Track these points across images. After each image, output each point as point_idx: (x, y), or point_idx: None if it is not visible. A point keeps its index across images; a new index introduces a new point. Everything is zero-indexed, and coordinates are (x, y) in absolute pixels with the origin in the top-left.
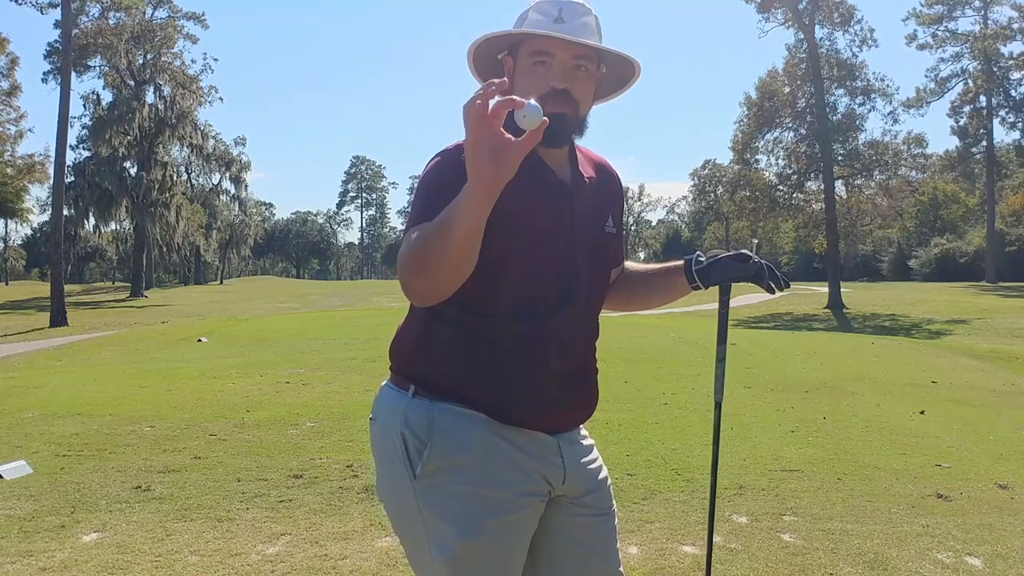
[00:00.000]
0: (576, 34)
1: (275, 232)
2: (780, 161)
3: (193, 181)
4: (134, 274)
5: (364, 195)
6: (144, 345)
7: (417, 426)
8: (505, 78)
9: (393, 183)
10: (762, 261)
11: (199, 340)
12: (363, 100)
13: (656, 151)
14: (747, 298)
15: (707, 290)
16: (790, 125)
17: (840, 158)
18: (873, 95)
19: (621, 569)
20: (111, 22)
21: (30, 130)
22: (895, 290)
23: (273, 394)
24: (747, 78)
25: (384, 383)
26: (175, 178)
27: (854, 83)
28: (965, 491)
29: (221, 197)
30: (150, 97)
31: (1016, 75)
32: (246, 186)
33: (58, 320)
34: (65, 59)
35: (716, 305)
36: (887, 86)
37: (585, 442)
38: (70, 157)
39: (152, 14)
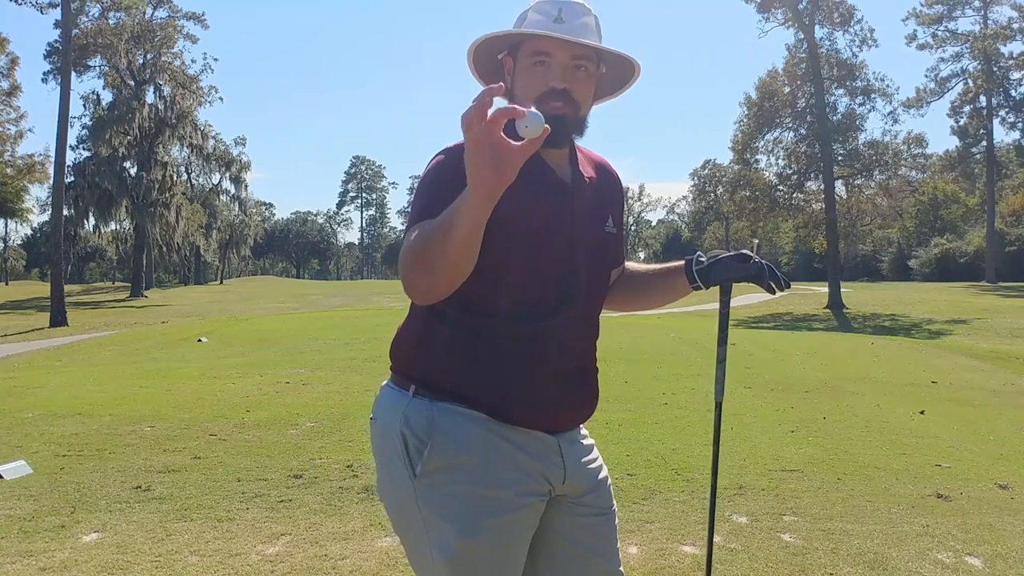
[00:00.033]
0: (576, 34)
1: (275, 232)
2: (780, 161)
3: (193, 181)
4: (134, 274)
5: (364, 195)
6: (144, 345)
7: (417, 425)
8: (502, 83)
9: (393, 183)
10: (763, 261)
11: (199, 340)
12: (363, 100)
13: (656, 151)
14: (747, 298)
15: (707, 290)
16: (790, 125)
17: (840, 158)
18: (873, 95)
19: (621, 569)
20: (111, 22)
21: (30, 130)
22: (895, 290)
23: (273, 394)
24: (747, 78)
25: (385, 383)
26: (175, 178)
27: (854, 83)
28: (965, 491)
29: (221, 197)
30: (150, 97)
31: (1016, 75)
32: (246, 186)
33: (58, 320)
34: (65, 59)
35: (716, 305)
36: (887, 86)
37: (585, 442)
38: (70, 157)
39: (152, 14)
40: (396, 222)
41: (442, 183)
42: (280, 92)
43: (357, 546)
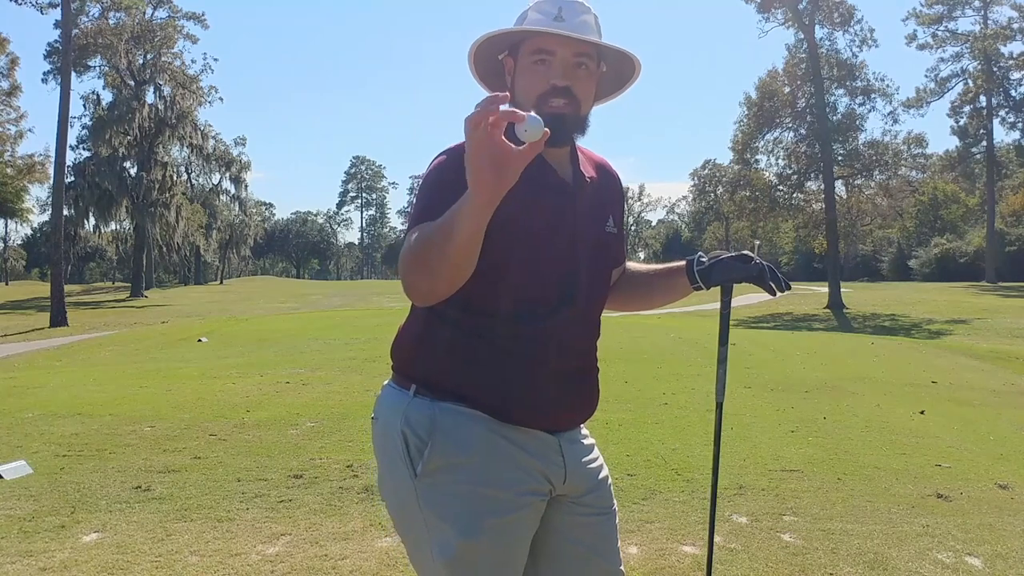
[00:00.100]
0: (576, 32)
1: (275, 232)
2: (780, 161)
3: (193, 181)
4: (134, 274)
5: (364, 195)
6: (144, 345)
7: (418, 425)
8: (507, 92)
9: (393, 183)
10: (763, 262)
11: (199, 340)
12: (363, 100)
13: (656, 151)
14: (747, 298)
15: (708, 291)
16: (790, 125)
17: (840, 158)
18: (873, 95)
19: (622, 568)
20: (111, 22)
21: (30, 130)
22: (895, 290)
23: (273, 394)
24: (747, 78)
25: (386, 383)
26: (175, 178)
27: (854, 83)
28: (965, 491)
29: (221, 197)
30: (150, 97)
31: (1016, 75)
32: (246, 186)
33: (58, 320)
34: (65, 59)
35: (716, 305)
36: (887, 86)
37: (586, 441)
38: (70, 157)
39: (152, 14)
40: (396, 222)
41: (444, 183)
42: (280, 92)
43: (357, 546)
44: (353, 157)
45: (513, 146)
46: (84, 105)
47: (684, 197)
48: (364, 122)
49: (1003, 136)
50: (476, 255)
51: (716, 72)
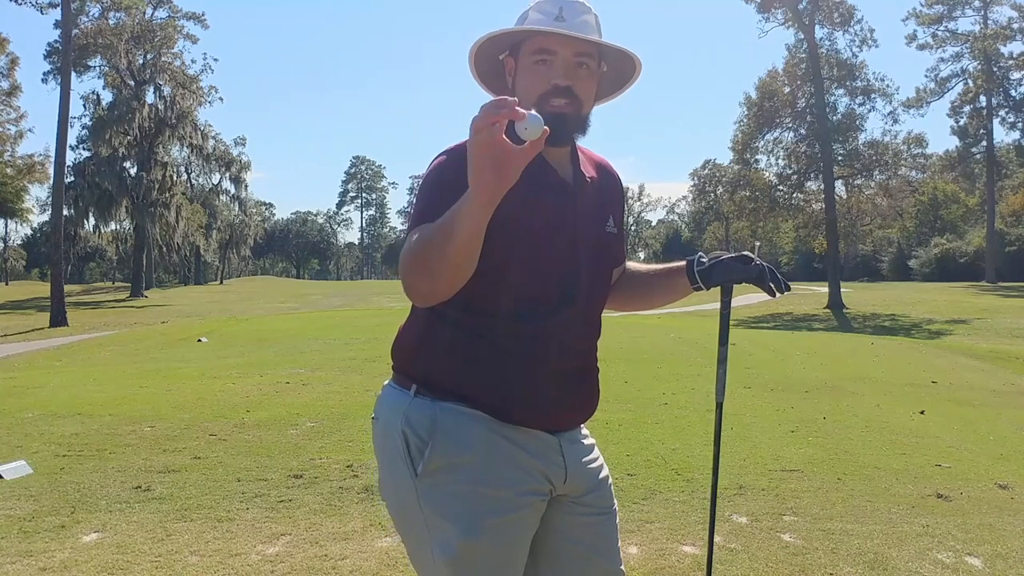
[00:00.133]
0: (577, 31)
1: (275, 232)
2: (780, 161)
3: (193, 181)
4: (134, 274)
5: (364, 195)
6: (144, 345)
7: (419, 425)
8: (516, 99)
9: (393, 183)
10: (764, 264)
11: (199, 340)
12: (363, 100)
13: (656, 151)
14: (747, 298)
15: (708, 291)
16: (790, 125)
17: (840, 158)
18: (873, 95)
19: (623, 568)
20: (111, 22)
21: (30, 130)
22: (895, 290)
23: (273, 394)
24: (747, 78)
25: (386, 382)
26: (175, 178)
27: (854, 83)
28: (965, 491)
29: (221, 197)
30: (150, 97)
31: (1016, 75)
32: (246, 186)
33: (58, 320)
34: (65, 59)
35: (715, 305)
36: (887, 86)
37: (586, 441)
38: (70, 157)
39: (152, 14)
40: (396, 222)
41: (444, 183)
42: (280, 92)
43: (357, 546)
44: (353, 157)
45: (514, 145)
46: (84, 105)
47: (684, 197)
48: (364, 122)
49: (1003, 136)
50: (476, 255)
51: (716, 72)
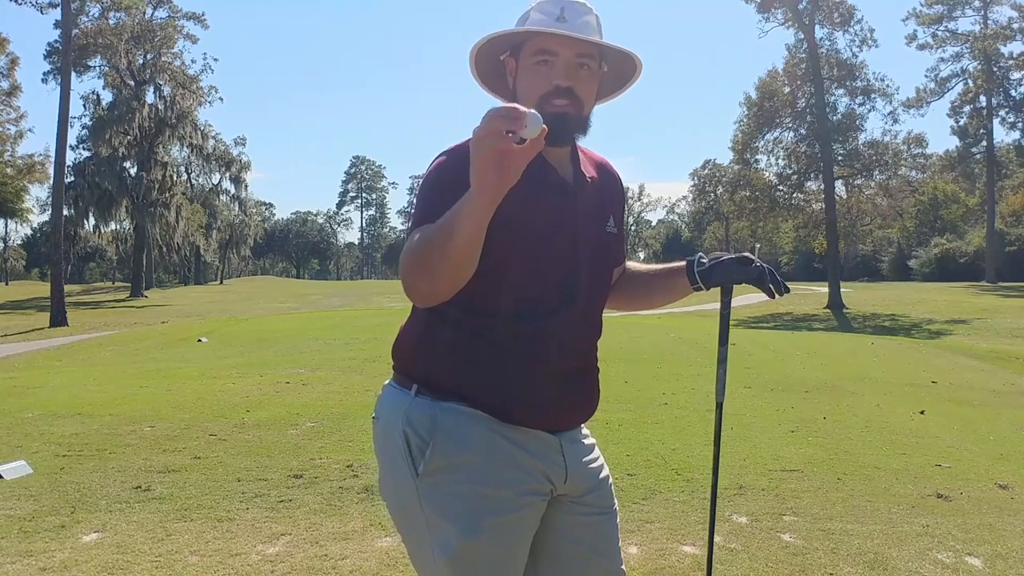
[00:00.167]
0: (578, 32)
1: (275, 232)
2: (780, 161)
3: (193, 181)
4: (134, 274)
5: (364, 195)
6: (144, 345)
7: (419, 425)
8: (522, 105)
9: (393, 183)
10: (764, 265)
11: (199, 340)
12: (363, 100)
13: (656, 151)
14: (747, 298)
15: (707, 291)
16: (790, 125)
17: (840, 158)
18: (873, 95)
19: (623, 568)
20: (111, 22)
21: (30, 130)
22: (895, 290)
23: (273, 394)
24: (747, 78)
25: (387, 382)
26: (175, 178)
27: (854, 83)
28: (965, 491)
29: (221, 197)
30: (150, 97)
31: (1016, 75)
32: (246, 186)
33: (58, 320)
34: (65, 59)
35: (715, 305)
36: (887, 86)
37: (586, 441)
38: (70, 157)
39: (152, 14)
40: (396, 222)
41: (444, 184)
42: (280, 92)
43: (357, 546)
44: (353, 157)
45: (514, 144)
46: (84, 105)
47: (684, 197)
48: (364, 122)
49: (1003, 136)
50: (477, 256)
51: (716, 72)
